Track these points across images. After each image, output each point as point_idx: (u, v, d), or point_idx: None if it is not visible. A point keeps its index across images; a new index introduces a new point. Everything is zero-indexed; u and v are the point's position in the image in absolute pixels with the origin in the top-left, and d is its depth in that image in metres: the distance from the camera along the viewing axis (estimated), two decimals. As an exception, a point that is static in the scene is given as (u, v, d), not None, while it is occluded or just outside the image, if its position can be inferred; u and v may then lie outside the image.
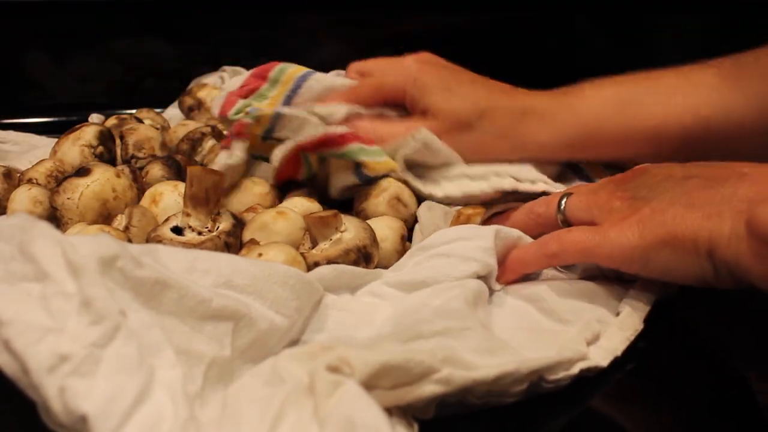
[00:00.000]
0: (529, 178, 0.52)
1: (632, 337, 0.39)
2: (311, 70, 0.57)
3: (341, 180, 0.52)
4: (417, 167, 0.53)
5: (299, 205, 0.49)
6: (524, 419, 0.34)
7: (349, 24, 0.83)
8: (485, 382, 0.32)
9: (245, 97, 0.56)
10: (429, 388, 0.31)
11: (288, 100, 0.56)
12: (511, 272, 0.43)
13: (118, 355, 0.28)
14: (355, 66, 0.59)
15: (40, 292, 0.30)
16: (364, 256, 0.44)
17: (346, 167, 0.52)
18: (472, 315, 0.38)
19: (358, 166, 0.51)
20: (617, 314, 0.41)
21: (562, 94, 0.53)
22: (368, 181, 0.51)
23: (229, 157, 0.50)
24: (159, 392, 0.28)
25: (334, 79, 0.57)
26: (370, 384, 0.30)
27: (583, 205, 0.43)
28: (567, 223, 0.44)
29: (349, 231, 0.44)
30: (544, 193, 0.50)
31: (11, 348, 0.28)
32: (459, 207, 0.51)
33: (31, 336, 0.28)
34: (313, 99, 0.56)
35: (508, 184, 0.51)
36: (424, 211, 0.49)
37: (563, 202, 0.44)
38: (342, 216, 0.45)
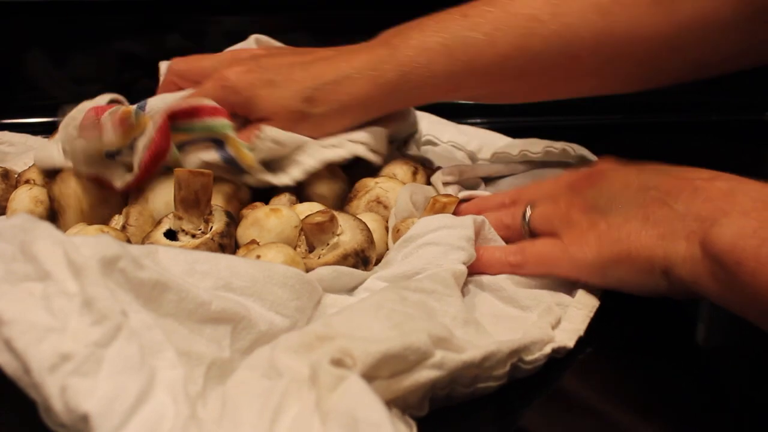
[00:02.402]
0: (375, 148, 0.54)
1: (591, 314, 0.41)
2: (141, 102, 0.54)
3: (199, 156, 0.50)
4: (272, 162, 0.52)
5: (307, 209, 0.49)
6: (506, 406, 0.35)
7: (345, 24, 0.84)
8: (473, 364, 0.33)
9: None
10: (425, 374, 0.32)
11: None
12: (472, 267, 0.44)
13: (120, 354, 0.28)
14: (174, 67, 0.57)
15: (41, 291, 0.30)
16: (362, 260, 0.44)
17: (205, 146, 0.50)
18: (455, 287, 0.40)
19: (221, 144, 0.50)
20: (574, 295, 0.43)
21: (383, 45, 0.52)
22: (229, 161, 0.50)
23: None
24: (160, 392, 0.28)
25: (169, 96, 0.54)
26: (371, 374, 0.30)
27: (544, 218, 0.45)
28: (533, 234, 0.46)
29: (346, 233, 0.44)
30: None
31: (12, 347, 0.28)
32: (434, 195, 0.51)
33: (32, 335, 0.28)
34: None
35: (361, 151, 0.52)
36: (404, 196, 0.50)
37: (527, 214, 0.46)
38: (338, 217, 0.45)
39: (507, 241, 0.47)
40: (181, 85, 0.56)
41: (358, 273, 0.43)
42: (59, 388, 0.27)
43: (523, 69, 0.51)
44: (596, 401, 0.37)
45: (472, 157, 0.65)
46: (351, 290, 0.43)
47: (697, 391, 0.37)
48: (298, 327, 0.37)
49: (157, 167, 0.49)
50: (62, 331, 0.28)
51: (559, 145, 0.62)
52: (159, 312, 0.32)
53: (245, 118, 0.52)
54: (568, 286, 0.44)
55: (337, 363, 0.30)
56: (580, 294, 0.42)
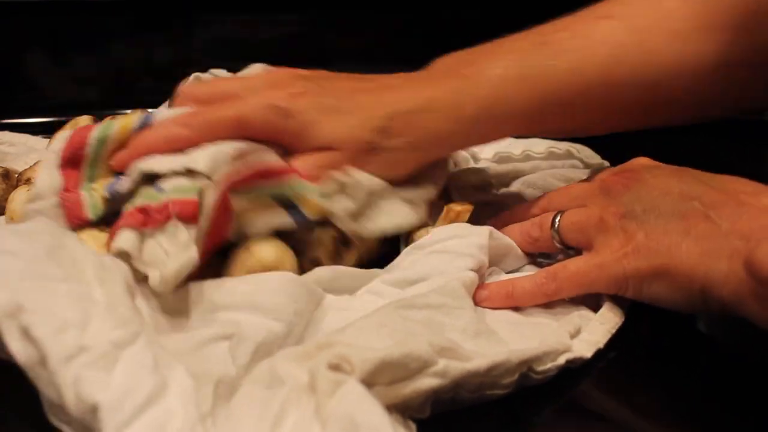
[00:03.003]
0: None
1: (614, 330, 0.40)
2: (147, 115, 0.42)
3: (267, 221, 0.42)
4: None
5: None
6: (514, 411, 0.35)
7: (346, 22, 0.83)
8: (479, 374, 0.33)
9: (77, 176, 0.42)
10: (426, 382, 0.31)
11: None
12: (497, 302, 0.43)
13: (136, 357, 0.28)
14: (189, 91, 0.45)
15: (66, 291, 0.30)
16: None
17: (272, 206, 0.42)
18: (466, 298, 0.39)
19: (292, 206, 0.42)
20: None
21: (455, 76, 0.46)
22: (305, 225, 0.43)
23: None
24: (172, 397, 0.28)
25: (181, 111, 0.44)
26: (369, 381, 0.30)
27: (576, 227, 0.43)
28: (563, 243, 0.44)
29: None
30: None
31: (30, 335, 0.28)
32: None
33: (53, 325, 0.28)
34: None
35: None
36: None
37: (557, 222, 0.44)
38: None
39: (536, 256, 0.46)
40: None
41: (359, 273, 0.43)
42: (73, 378, 0.27)
43: (606, 100, 0.48)
44: (606, 410, 0.37)
45: (474, 156, 0.65)
46: (351, 291, 0.43)
47: (715, 400, 0.37)
48: (297, 331, 0.37)
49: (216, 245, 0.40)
50: (83, 327, 0.28)
51: (563, 146, 0.62)
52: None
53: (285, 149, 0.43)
54: (595, 296, 0.43)
55: (335, 368, 0.30)
56: (606, 308, 0.41)
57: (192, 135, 0.40)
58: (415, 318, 0.36)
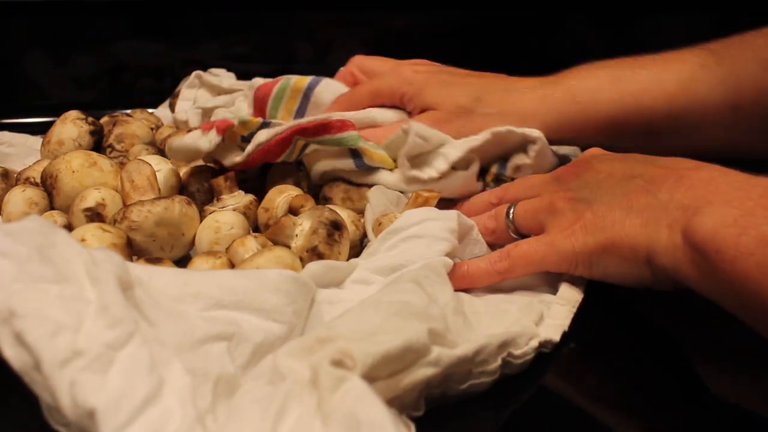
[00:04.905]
0: None
1: (575, 309, 0.41)
2: (317, 78, 0.59)
3: (332, 164, 0.52)
4: (415, 158, 0.52)
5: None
6: (494, 404, 0.35)
7: (343, 24, 0.83)
8: (466, 359, 0.34)
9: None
10: (421, 372, 0.32)
11: (300, 113, 0.59)
12: (453, 283, 0.43)
13: (131, 358, 0.28)
14: (357, 61, 0.63)
15: (57, 293, 0.29)
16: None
17: (339, 153, 0.52)
18: (447, 277, 0.40)
19: (355, 153, 0.51)
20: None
21: (554, 76, 0.56)
22: (366, 169, 0.52)
23: (200, 138, 0.51)
24: (169, 396, 0.28)
25: (340, 86, 0.60)
26: (371, 375, 0.30)
27: (529, 214, 0.45)
28: (518, 233, 0.46)
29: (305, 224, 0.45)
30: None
31: (24, 340, 0.28)
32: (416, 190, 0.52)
33: (46, 329, 0.28)
34: (323, 107, 0.58)
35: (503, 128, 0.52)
36: (377, 194, 0.50)
37: (511, 212, 0.46)
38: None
39: (494, 246, 0.47)
40: (358, 77, 0.63)
41: (344, 265, 0.43)
42: (68, 383, 0.27)
43: (687, 110, 0.52)
44: (584, 399, 0.37)
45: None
46: (338, 284, 0.43)
47: (679, 385, 0.37)
48: (297, 331, 0.37)
49: (265, 161, 0.53)
50: (76, 330, 0.28)
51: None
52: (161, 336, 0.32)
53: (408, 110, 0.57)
54: (551, 283, 0.44)
55: (338, 364, 0.30)
56: (563, 289, 0.42)
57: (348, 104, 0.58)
58: (405, 286, 0.37)
